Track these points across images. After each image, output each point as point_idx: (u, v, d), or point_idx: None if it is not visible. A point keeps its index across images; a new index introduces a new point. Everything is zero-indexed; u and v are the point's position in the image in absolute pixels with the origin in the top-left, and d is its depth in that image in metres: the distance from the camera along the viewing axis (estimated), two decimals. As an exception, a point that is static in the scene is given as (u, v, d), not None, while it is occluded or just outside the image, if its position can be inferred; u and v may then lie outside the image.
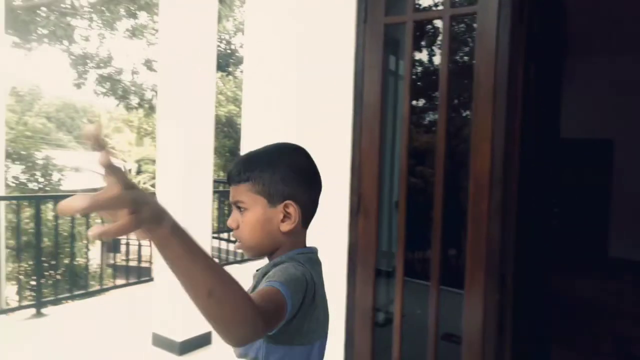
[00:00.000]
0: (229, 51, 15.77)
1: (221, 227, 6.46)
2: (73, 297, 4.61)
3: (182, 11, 2.99)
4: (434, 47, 6.06)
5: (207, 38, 3.12)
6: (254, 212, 0.96)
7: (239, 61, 16.84)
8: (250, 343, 0.82)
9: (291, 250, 0.98)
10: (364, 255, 2.16)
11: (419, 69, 6.17)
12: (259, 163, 0.98)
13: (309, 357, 0.94)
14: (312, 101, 2.32)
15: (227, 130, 14.16)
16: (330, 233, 2.22)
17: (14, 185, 10.03)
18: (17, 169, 10.13)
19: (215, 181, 5.46)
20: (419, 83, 6.15)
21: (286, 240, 0.99)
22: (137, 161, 29.29)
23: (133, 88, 10.91)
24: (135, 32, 10.07)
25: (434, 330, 2.00)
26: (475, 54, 1.89)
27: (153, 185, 27.83)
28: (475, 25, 1.88)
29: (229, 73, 15.15)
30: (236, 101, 15.33)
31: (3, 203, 5.02)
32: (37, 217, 4.06)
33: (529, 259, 2.27)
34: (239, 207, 0.98)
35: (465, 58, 5.70)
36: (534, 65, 2.14)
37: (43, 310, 3.97)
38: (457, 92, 5.12)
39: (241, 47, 16.90)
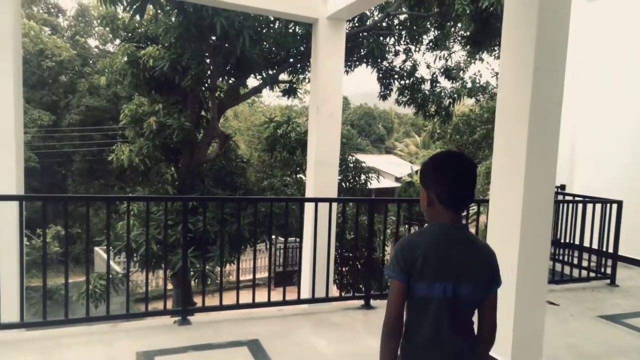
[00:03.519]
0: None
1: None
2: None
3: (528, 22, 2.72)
4: None
5: (560, 38, 2.75)
6: (420, 193, 1.64)
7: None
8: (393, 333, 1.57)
9: (433, 222, 1.60)
10: None
11: None
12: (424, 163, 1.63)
13: (430, 291, 1.50)
14: None
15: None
16: None
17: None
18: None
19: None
20: None
21: (433, 214, 1.59)
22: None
23: (431, 97, 11.28)
24: (437, 43, 10.36)
25: None
26: None
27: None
28: None
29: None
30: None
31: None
32: (371, 215, 4.50)
33: None
34: None
35: None
36: None
37: (372, 303, 4.41)
38: None
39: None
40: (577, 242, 5.70)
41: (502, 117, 2.96)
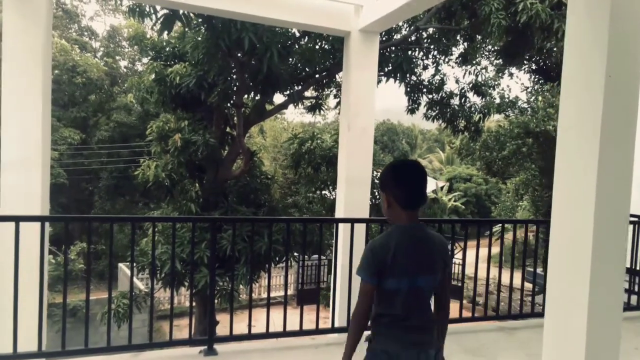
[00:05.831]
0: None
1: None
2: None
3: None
4: None
5: (635, 39, 2.45)
6: (381, 197, 1.92)
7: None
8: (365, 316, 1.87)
9: (395, 224, 1.86)
10: None
11: None
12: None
13: (398, 285, 1.79)
14: None
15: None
16: None
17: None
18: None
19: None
20: None
21: (392, 214, 1.87)
22: (449, 179, 29.99)
23: (460, 112, 10.93)
24: (467, 57, 10.06)
25: None
26: None
27: (463, 204, 27.78)
28: None
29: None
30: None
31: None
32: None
33: None
34: None
35: None
36: None
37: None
38: None
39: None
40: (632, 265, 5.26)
41: (566, 128, 2.63)
